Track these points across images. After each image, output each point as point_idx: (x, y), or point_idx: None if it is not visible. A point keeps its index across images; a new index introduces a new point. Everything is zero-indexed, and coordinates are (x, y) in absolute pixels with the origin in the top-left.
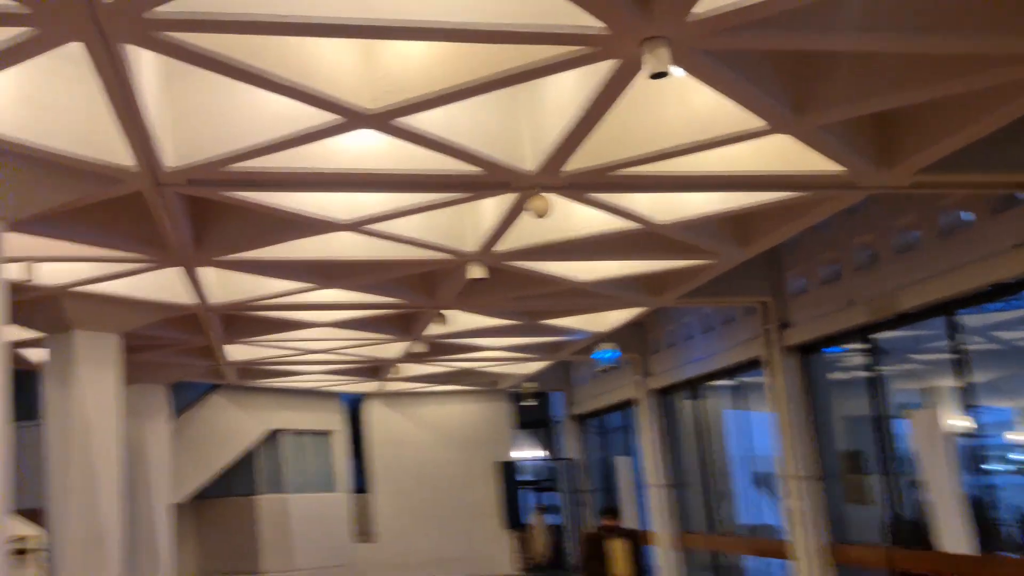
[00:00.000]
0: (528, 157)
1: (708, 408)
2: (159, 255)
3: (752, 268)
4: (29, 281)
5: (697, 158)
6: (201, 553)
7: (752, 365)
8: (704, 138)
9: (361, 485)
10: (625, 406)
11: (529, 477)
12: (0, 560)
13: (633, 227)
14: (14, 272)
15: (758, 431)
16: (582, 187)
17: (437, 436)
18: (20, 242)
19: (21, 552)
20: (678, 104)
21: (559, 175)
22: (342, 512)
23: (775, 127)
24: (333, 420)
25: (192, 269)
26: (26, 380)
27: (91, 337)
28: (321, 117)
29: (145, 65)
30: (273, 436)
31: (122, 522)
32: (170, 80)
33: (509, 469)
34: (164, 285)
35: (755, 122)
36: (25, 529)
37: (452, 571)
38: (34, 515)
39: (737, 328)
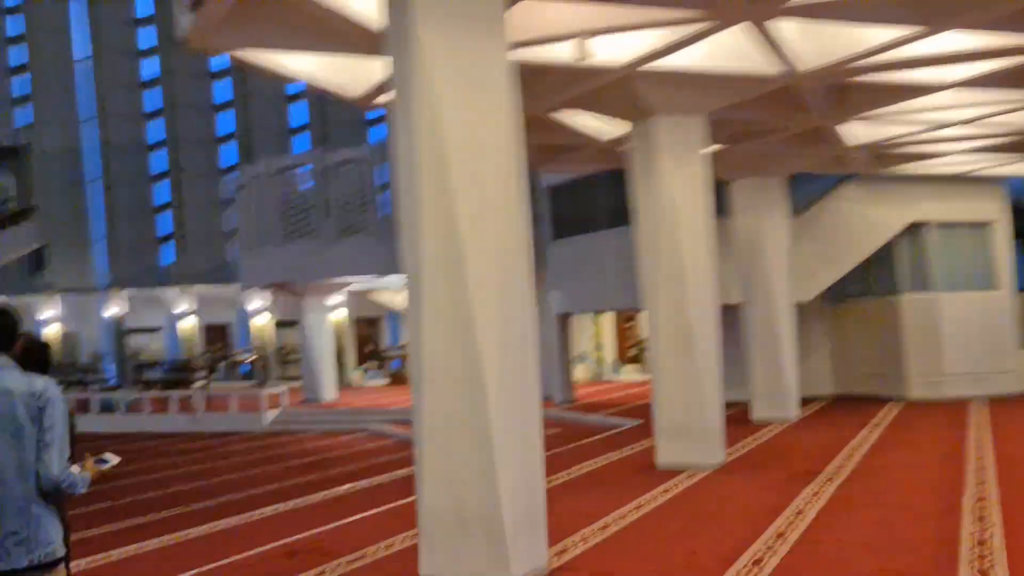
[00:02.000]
0: None
1: None
2: (717, 10)
3: None
4: (582, 60)
5: None
6: (835, 356)
7: None
8: None
9: None
10: None
11: None
12: None
13: None
14: (567, 52)
15: None
16: None
17: None
18: (564, 14)
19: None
20: None
21: None
22: (1003, 313)
23: None
24: (990, 209)
25: (761, 24)
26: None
27: (672, 122)
28: None
29: None
30: (915, 229)
31: (714, 320)
32: None
33: None
34: (743, 54)
35: None
36: None
37: None
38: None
39: None
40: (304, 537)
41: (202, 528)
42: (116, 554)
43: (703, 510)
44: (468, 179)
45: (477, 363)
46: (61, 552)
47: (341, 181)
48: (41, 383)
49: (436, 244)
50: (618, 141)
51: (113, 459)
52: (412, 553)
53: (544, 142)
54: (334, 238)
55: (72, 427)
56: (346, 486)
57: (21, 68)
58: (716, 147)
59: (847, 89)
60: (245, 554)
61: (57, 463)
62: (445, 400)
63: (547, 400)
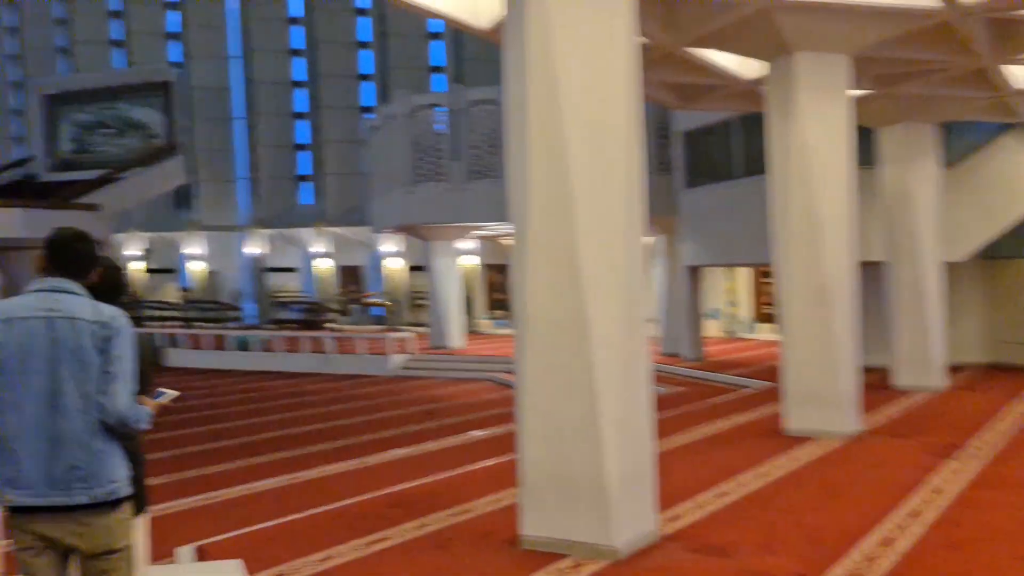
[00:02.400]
0: None
1: None
2: None
3: None
4: None
5: None
6: (987, 322)
7: None
8: None
9: None
10: None
11: None
12: None
13: None
14: None
15: None
16: None
17: None
18: None
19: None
20: None
21: None
22: None
23: None
24: None
25: None
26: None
27: (814, 60)
28: None
29: None
30: None
31: (852, 277)
32: None
33: None
34: None
35: None
36: None
37: None
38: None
39: None
40: (412, 487)
41: (313, 472)
42: (225, 494)
43: (831, 482)
44: (580, 118)
45: (582, 314)
46: (126, 491)
47: (473, 122)
48: (109, 311)
49: (544, 188)
50: (759, 81)
51: (171, 393)
52: (516, 511)
53: (679, 81)
54: (464, 182)
55: (156, 360)
56: (462, 435)
57: (177, 4)
58: (862, 91)
59: (1015, 25)
60: (349, 501)
61: (124, 396)
62: (548, 351)
63: (674, 357)
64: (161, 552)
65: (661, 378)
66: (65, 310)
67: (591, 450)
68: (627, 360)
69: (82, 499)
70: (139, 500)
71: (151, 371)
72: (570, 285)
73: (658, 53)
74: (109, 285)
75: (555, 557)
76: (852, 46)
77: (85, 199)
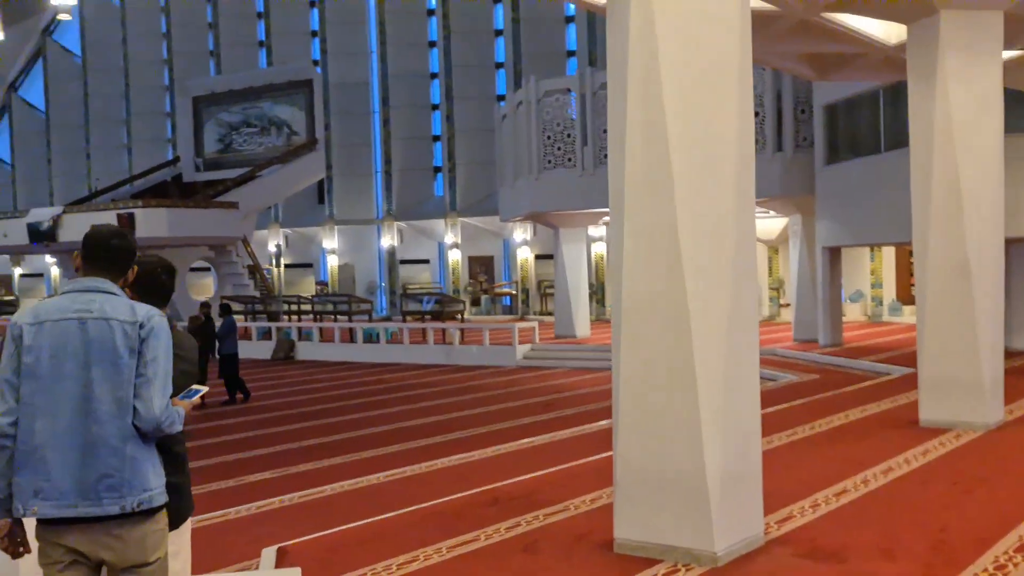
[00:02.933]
0: None
1: None
2: None
3: None
4: None
5: None
6: None
7: None
8: None
9: None
10: None
11: None
12: None
13: None
14: None
15: None
16: None
17: None
18: None
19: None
20: None
21: None
22: None
23: None
24: None
25: None
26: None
27: (961, 19)
28: None
29: None
30: None
31: (997, 256)
32: None
33: None
34: None
35: None
36: None
37: None
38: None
39: None
40: (514, 482)
41: (420, 466)
42: (325, 491)
43: (966, 478)
44: (681, 91)
45: (682, 301)
46: (160, 500)
47: (602, 106)
48: (144, 311)
49: (641, 166)
50: (903, 47)
51: (201, 388)
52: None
53: (817, 50)
54: (594, 167)
55: (201, 354)
56: (575, 429)
57: (316, 2)
58: (1015, 52)
59: None
60: (447, 499)
61: (159, 400)
62: (645, 340)
63: (810, 342)
64: (250, 552)
65: (792, 365)
66: (98, 311)
67: (690, 447)
68: (732, 350)
69: (113, 509)
70: (181, 509)
71: (192, 368)
72: (669, 269)
73: (792, 21)
74: (148, 284)
75: (650, 562)
76: (1005, 2)
77: (225, 197)
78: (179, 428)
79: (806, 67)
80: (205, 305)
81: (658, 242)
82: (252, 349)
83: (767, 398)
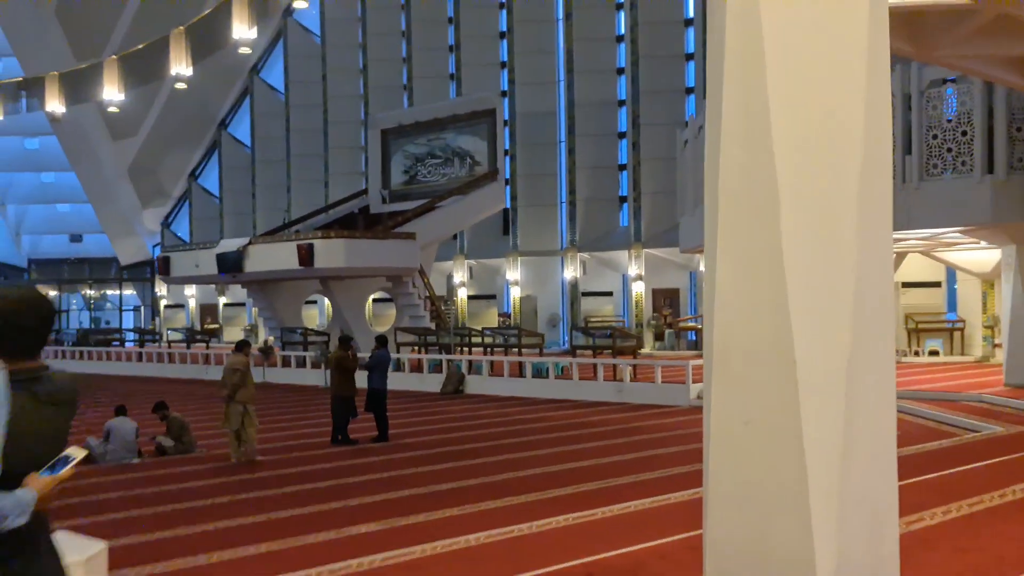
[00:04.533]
0: None
1: None
2: None
3: None
4: None
5: None
6: None
7: None
8: None
9: None
10: None
11: None
12: None
13: None
14: None
15: None
16: None
17: None
18: None
19: None
20: None
21: None
22: None
23: None
24: None
25: None
26: None
27: None
28: None
29: None
30: None
31: None
32: None
33: None
34: None
35: None
36: None
37: None
38: None
39: None
40: (620, 553)
41: (528, 525)
42: (418, 551)
43: None
44: (787, 72)
45: (787, 346)
46: None
47: None
48: None
49: (739, 178)
50: None
51: (75, 455)
52: None
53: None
54: None
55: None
56: None
57: (505, 33)
58: None
59: None
60: (540, 570)
61: None
62: (741, 392)
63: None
64: None
65: (999, 414)
66: None
67: (797, 528)
68: (853, 407)
69: None
70: None
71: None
72: (771, 304)
73: (988, 16)
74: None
75: None
76: None
77: (405, 228)
78: (19, 521)
79: (1016, 75)
80: (379, 339)
81: (758, 270)
82: (421, 382)
83: (955, 454)
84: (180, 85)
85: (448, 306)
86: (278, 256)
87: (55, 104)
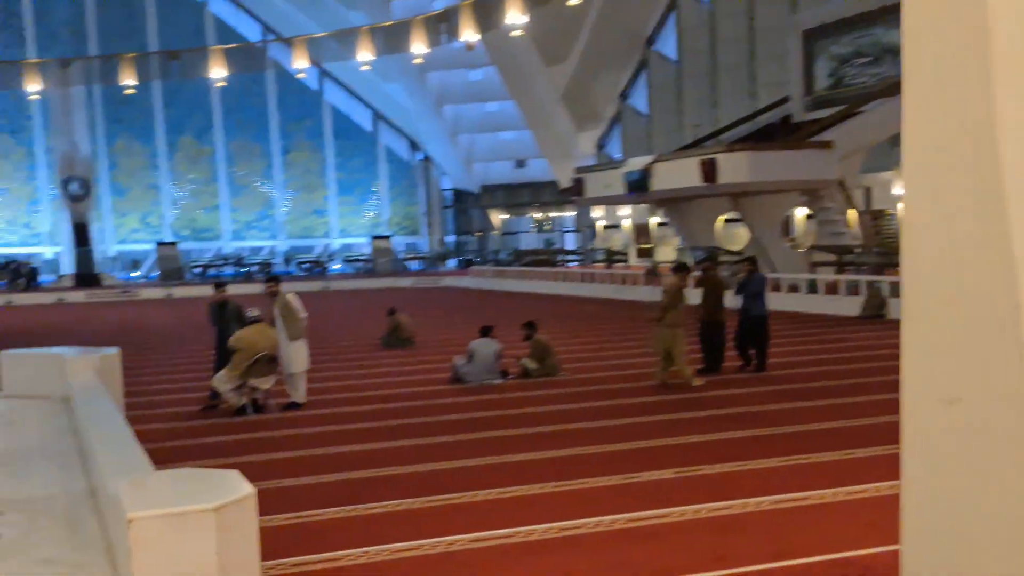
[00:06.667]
0: None
1: None
2: None
3: None
4: None
5: None
6: None
7: None
8: None
9: None
10: None
11: None
12: None
13: None
14: None
15: None
16: None
17: None
18: None
19: None
20: None
21: None
22: None
23: None
24: None
25: None
26: None
27: None
28: None
29: None
30: None
31: None
32: None
33: None
34: None
35: None
36: None
37: None
38: None
39: None
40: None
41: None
42: (832, 494)
43: None
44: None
45: (1012, 301)
46: None
47: None
48: None
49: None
50: None
51: None
52: None
53: None
54: None
55: None
56: None
57: None
58: None
59: None
60: (795, 561)
61: None
62: (946, 370)
63: None
64: None
65: None
66: None
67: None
68: None
69: None
70: None
71: None
72: (992, 293)
73: None
74: None
75: None
76: None
77: (822, 136)
78: None
79: None
80: (751, 260)
81: (979, 265)
82: (837, 305)
83: None
84: None
85: (877, 223)
86: (682, 173)
87: (469, 33)
